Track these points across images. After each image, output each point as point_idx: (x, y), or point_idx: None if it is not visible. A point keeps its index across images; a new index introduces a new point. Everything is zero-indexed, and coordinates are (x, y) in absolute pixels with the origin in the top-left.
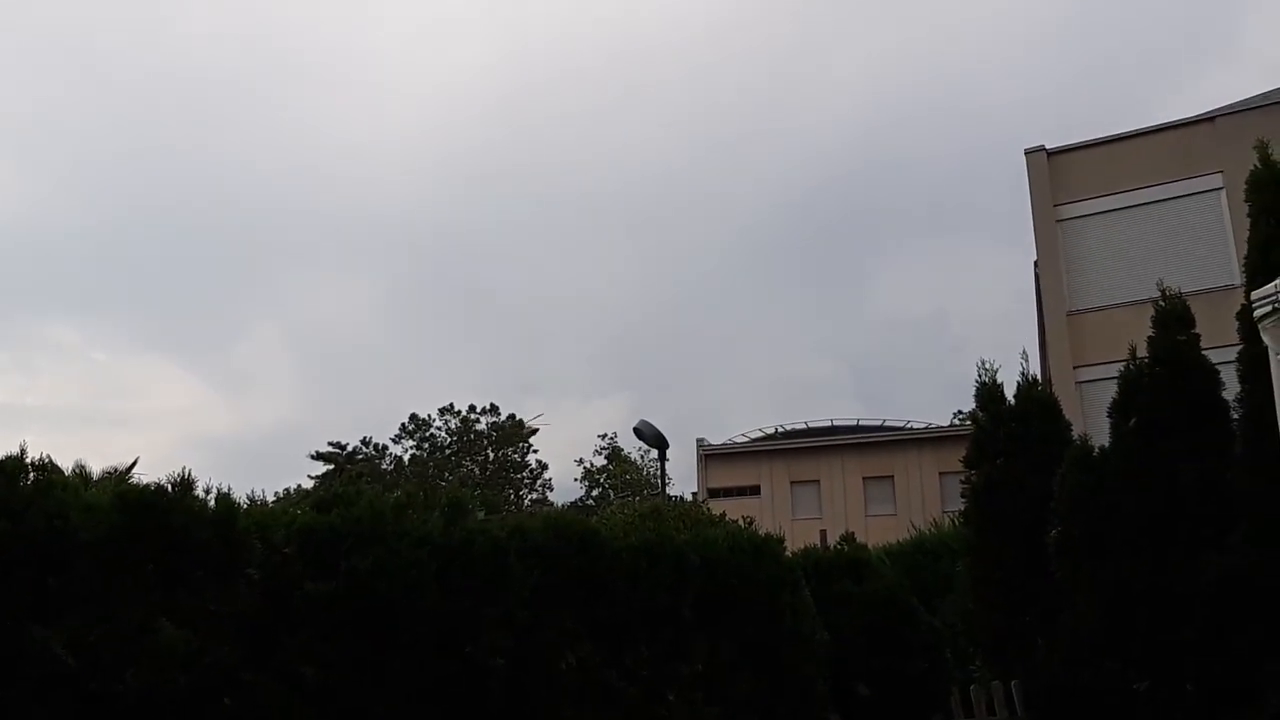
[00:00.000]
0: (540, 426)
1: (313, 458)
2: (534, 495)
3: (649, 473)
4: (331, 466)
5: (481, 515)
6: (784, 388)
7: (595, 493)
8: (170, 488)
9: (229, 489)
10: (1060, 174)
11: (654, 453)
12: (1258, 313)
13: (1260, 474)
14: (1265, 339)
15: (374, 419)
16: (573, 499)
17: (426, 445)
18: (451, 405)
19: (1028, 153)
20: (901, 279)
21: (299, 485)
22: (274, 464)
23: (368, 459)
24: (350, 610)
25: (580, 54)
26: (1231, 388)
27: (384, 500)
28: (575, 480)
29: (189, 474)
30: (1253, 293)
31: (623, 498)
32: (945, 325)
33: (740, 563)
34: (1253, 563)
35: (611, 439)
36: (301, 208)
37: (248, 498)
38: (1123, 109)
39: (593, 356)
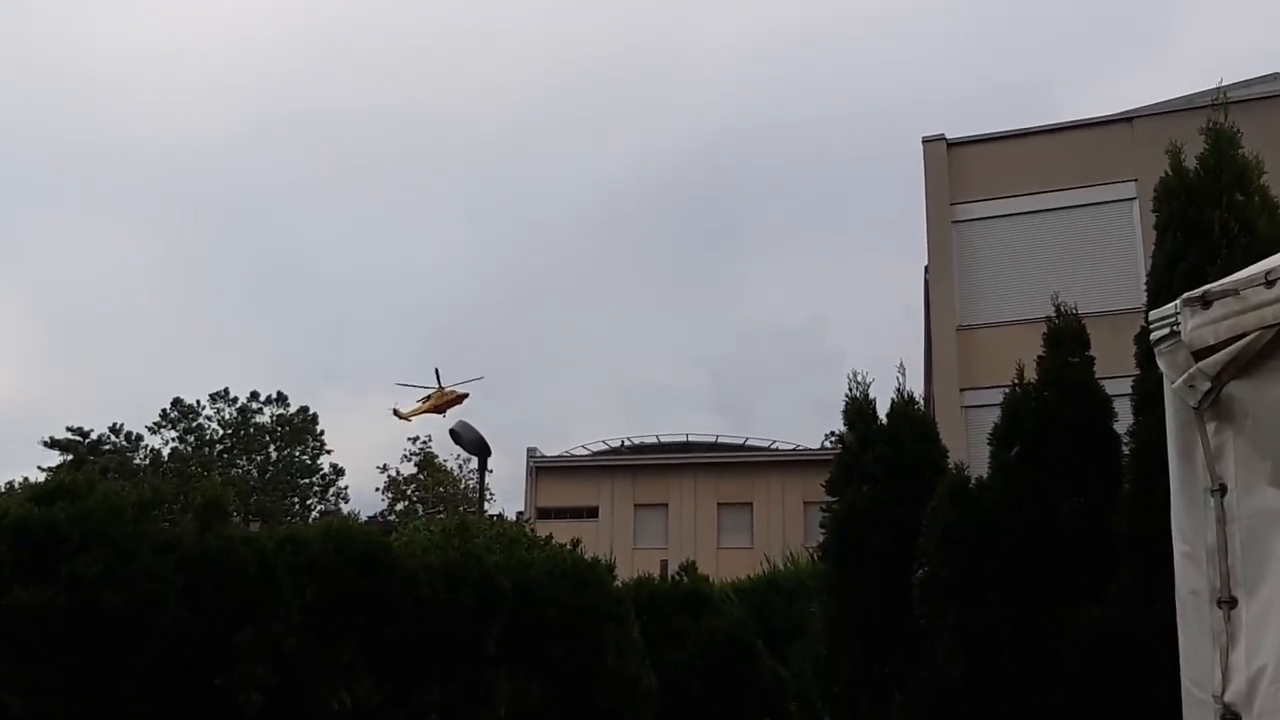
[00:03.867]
0: (468, 392)
1: (46, 445)
2: (324, 506)
3: (468, 485)
4: (70, 457)
5: (255, 526)
6: (635, 395)
7: (400, 506)
8: None
9: None
10: (960, 169)
11: (474, 462)
12: (1154, 335)
13: (1145, 517)
14: (1161, 365)
15: (130, 402)
16: (373, 513)
17: (192, 438)
18: (226, 391)
19: (925, 141)
20: (774, 279)
21: (25, 479)
22: None
23: (117, 450)
24: (70, 626)
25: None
26: (1126, 420)
27: (123, 495)
28: (377, 490)
29: None
30: (1151, 313)
31: (433, 513)
32: (821, 335)
33: (559, 591)
34: (1129, 620)
35: (425, 444)
36: (49, 136)
37: None
38: (1033, 104)
39: (411, 346)
